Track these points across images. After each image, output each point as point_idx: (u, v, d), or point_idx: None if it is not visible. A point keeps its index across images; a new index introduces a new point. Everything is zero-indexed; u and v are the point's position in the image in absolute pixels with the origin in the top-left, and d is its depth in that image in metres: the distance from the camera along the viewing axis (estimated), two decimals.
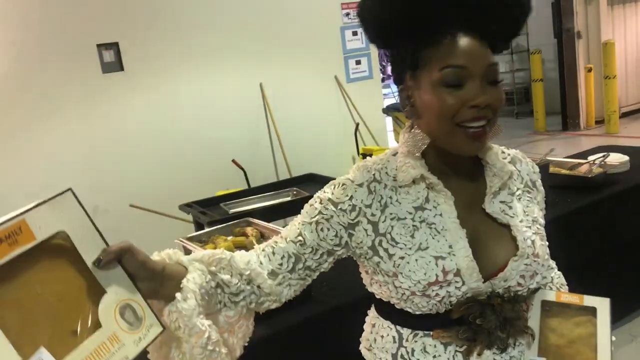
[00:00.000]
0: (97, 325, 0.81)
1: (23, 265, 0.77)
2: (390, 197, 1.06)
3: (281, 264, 1.07)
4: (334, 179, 4.10)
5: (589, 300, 1.10)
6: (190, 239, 2.42)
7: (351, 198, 1.06)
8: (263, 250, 1.09)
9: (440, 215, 1.03)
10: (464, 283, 1.00)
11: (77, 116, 4.79)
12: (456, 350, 1.04)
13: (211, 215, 3.62)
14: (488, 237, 1.06)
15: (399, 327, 1.09)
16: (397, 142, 6.35)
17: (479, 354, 1.03)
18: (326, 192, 1.09)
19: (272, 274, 1.06)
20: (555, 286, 1.23)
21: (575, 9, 8.35)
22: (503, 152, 1.16)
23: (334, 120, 6.09)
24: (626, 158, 3.27)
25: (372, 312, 1.20)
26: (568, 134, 8.54)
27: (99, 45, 4.80)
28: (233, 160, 5.11)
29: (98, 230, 0.85)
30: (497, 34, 1.02)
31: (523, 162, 1.17)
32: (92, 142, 4.86)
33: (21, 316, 0.76)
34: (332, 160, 5.87)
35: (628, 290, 3.12)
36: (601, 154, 3.32)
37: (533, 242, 1.05)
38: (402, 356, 1.08)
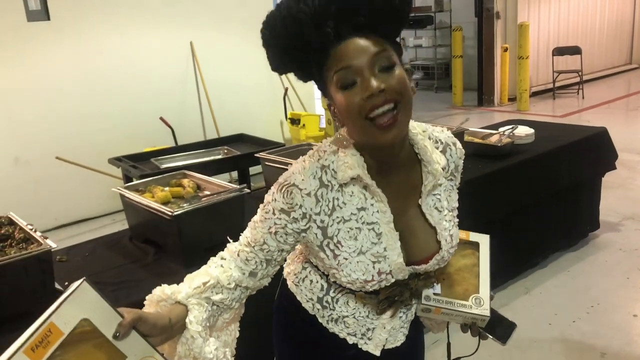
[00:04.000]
0: None
1: (54, 357, 0.92)
2: (337, 199, 1.14)
3: (256, 267, 1.20)
4: (263, 140, 4.21)
5: (474, 237, 1.35)
6: (128, 188, 2.50)
7: (300, 207, 1.13)
8: (238, 255, 1.20)
9: (378, 212, 1.15)
10: (393, 277, 1.17)
11: None
12: (372, 308, 1.26)
13: (142, 169, 3.66)
14: (418, 232, 1.20)
15: (328, 282, 1.26)
16: (324, 108, 6.40)
17: (392, 316, 1.26)
18: (277, 200, 1.15)
19: (252, 274, 1.20)
20: None
21: None
22: (436, 140, 1.24)
23: (264, 83, 6.16)
24: (532, 131, 3.61)
25: (304, 253, 1.32)
26: (483, 109, 9.03)
27: None
28: (161, 118, 5.11)
29: (113, 307, 1.00)
30: (381, 29, 1.07)
31: (453, 149, 1.27)
32: (14, 92, 4.71)
33: None
34: (260, 122, 5.97)
35: (524, 250, 3.49)
36: (510, 126, 3.65)
37: (452, 236, 1.22)
38: (326, 301, 1.27)
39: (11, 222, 2.08)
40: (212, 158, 4.03)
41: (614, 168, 3.92)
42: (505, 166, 3.24)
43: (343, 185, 1.14)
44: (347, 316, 1.26)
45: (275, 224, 1.15)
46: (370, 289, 1.18)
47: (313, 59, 1.10)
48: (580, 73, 9.15)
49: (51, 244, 1.83)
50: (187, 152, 4.14)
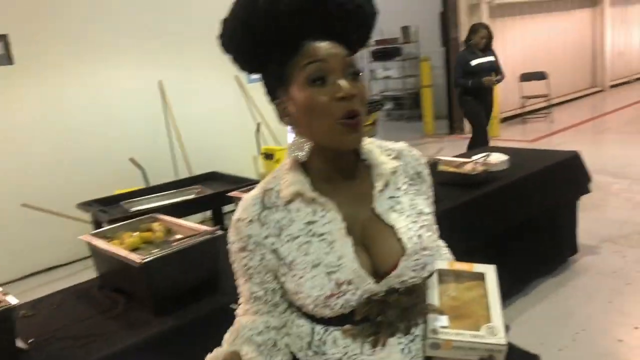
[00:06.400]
0: None
1: None
2: (284, 218, 1.12)
3: (268, 311, 1.19)
4: (236, 177, 4.17)
5: (478, 267, 1.26)
6: (95, 236, 2.40)
7: (249, 237, 1.12)
8: (246, 313, 1.21)
9: (329, 222, 1.10)
10: (358, 288, 1.07)
11: None
12: (364, 341, 1.14)
13: (111, 213, 3.56)
14: (377, 237, 1.13)
15: (312, 323, 1.18)
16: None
17: (383, 345, 1.13)
18: (233, 242, 1.16)
19: (269, 315, 1.19)
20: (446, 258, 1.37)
21: (459, 20, 8.93)
22: (388, 149, 1.23)
23: (235, 119, 6.11)
24: (505, 157, 3.61)
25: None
26: (454, 137, 9.10)
27: None
28: (131, 159, 5.01)
29: None
30: (351, 39, 1.10)
31: (408, 156, 1.24)
32: None
33: None
34: (234, 159, 5.89)
35: (505, 279, 3.36)
36: (483, 154, 3.64)
37: (420, 236, 1.13)
38: (315, 345, 1.17)
39: None
40: (184, 198, 3.94)
41: (589, 191, 3.93)
42: (480, 194, 3.21)
43: (288, 203, 1.12)
44: (341, 358, 1.14)
45: (243, 266, 1.15)
46: (339, 307, 1.08)
47: (278, 53, 1.07)
48: (547, 98, 9.31)
49: (12, 300, 1.72)
50: (159, 193, 4.04)
